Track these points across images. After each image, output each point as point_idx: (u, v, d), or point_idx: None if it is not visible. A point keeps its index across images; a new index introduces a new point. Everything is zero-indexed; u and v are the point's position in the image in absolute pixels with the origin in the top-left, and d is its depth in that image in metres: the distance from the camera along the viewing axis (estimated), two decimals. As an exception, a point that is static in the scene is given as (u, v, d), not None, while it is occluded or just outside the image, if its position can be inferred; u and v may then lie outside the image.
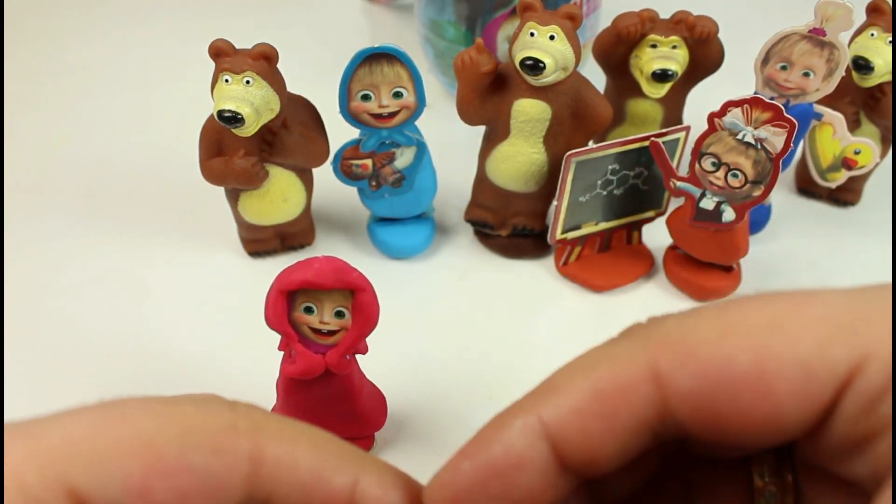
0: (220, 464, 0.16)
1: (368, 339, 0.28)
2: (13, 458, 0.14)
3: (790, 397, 0.14)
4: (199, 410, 0.17)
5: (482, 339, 0.38)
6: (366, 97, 0.36)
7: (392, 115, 0.37)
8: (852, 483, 0.15)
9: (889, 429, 0.14)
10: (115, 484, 0.15)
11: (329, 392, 0.29)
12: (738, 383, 0.14)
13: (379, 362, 0.31)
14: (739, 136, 0.35)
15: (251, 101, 0.34)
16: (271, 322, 0.27)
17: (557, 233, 0.40)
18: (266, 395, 0.32)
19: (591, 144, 0.39)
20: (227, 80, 0.34)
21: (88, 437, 0.15)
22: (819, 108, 0.41)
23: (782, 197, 0.46)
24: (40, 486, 0.14)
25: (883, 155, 0.43)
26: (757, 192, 0.36)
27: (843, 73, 0.38)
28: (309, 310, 0.28)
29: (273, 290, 0.27)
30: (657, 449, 0.17)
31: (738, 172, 0.35)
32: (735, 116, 0.34)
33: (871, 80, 0.41)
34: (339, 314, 0.28)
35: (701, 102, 0.40)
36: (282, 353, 0.29)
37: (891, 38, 0.40)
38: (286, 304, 0.27)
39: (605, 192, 0.40)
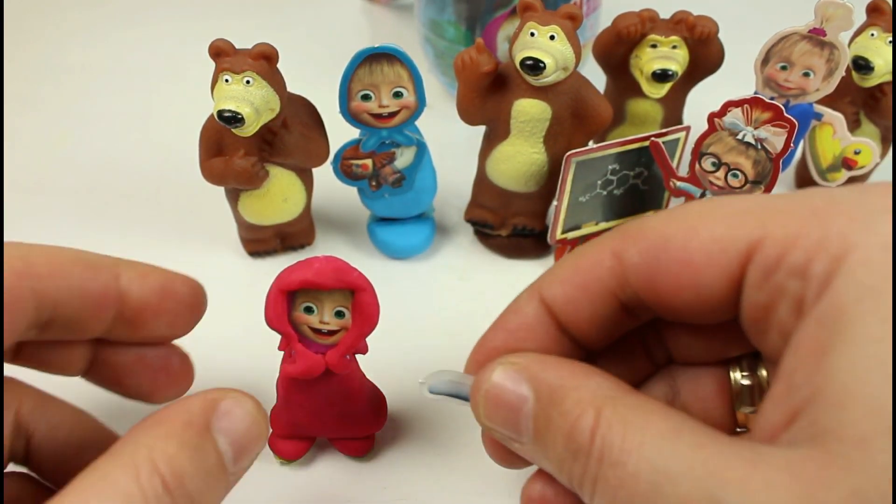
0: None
1: (368, 339, 0.28)
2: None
3: (707, 267, 0.19)
4: (88, 252, 0.24)
5: (482, 339, 0.38)
6: (366, 97, 0.36)
7: (392, 114, 0.37)
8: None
9: (784, 295, 0.18)
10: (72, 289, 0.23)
11: (329, 392, 0.29)
12: (670, 256, 0.19)
13: (379, 362, 0.31)
14: (739, 136, 0.35)
15: (251, 100, 0.34)
16: (271, 322, 0.27)
17: (557, 233, 0.40)
18: (266, 394, 0.32)
19: (591, 144, 0.39)
20: (227, 80, 0.34)
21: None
22: (819, 108, 0.41)
23: (782, 197, 0.46)
24: (13, 288, 0.21)
25: (883, 155, 0.43)
26: (757, 193, 0.36)
27: (843, 73, 0.38)
28: (309, 310, 0.28)
29: (273, 289, 0.27)
30: (647, 356, 0.24)
31: (738, 172, 0.35)
32: (735, 116, 0.34)
33: (872, 80, 0.41)
34: (340, 314, 0.28)
35: (701, 102, 0.40)
36: (281, 352, 0.29)
37: (891, 38, 0.40)
38: (286, 304, 0.27)
39: (605, 192, 0.40)
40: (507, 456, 0.23)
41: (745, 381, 0.22)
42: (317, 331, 0.28)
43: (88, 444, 0.26)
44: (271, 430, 0.32)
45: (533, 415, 0.20)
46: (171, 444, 0.20)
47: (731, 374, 0.23)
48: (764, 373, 0.22)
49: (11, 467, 0.25)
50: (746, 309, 0.19)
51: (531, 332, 0.22)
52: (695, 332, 0.23)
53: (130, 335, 0.26)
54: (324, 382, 0.29)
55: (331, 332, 0.28)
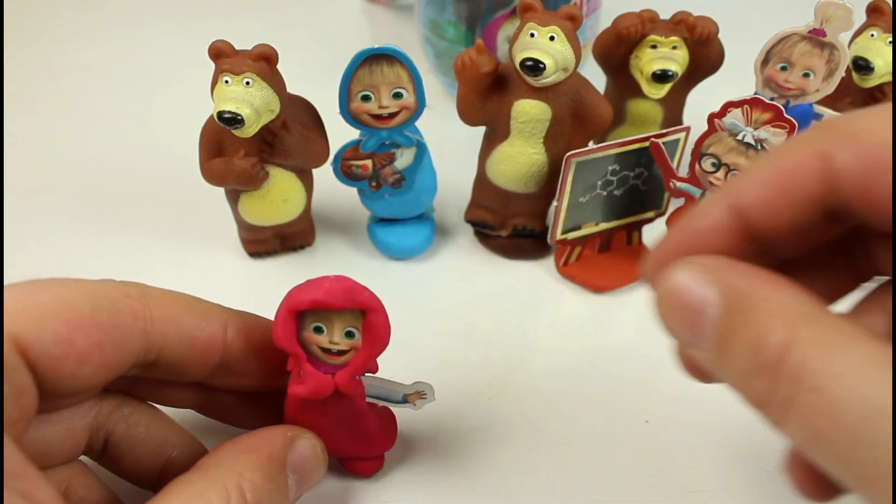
0: (121, 321, 0.22)
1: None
2: None
3: None
4: (102, 284, 0.23)
5: (482, 340, 0.38)
6: (366, 98, 0.36)
7: (392, 115, 0.37)
8: None
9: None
10: (47, 334, 0.21)
11: (338, 412, 0.29)
12: (887, 161, 0.17)
13: (378, 362, 0.31)
14: (739, 137, 0.35)
15: (251, 101, 0.34)
16: (280, 342, 0.27)
17: (557, 233, 0.40)
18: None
19: (591, 145, 0.39)
20: (226, 81, 0.34)
21: (25, 304, 0.21)
22: (819, 109, 0.41)
23: (782, 197, 0.46)
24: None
25: (883, 155, 0.43)
26: None
27: (843, 74, 0.38)
28: (318, 329, 0.27)
29: (282, 309, 0.26)
30: (853, 272, 0.22)
31: (738, 173, 0.35)
32: (735, 117, 0.34)
33: (872, 81, 0.41)
34: (350, 334, 0.27)
35: (701, 103, 0.40)
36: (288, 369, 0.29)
37: (891, 39, 0.40)
38: (295, 324, 0.27)
39: (605, 193, 0.40)
40: (695, 370, 0.21)
41: None
42: (326, 350, 0.27)
43: (163, 441, 0.27)
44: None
45: (717, 321, 0.18)
46: (257, 474, 0.23)
47: None
48: None
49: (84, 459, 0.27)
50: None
51: (718, 238, 0.20)
52: None
53: (230, 383, 0.27)
54: (333, 402, 0.28)
55: (340, 352, 0.27)
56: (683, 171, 0.38)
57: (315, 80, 0.40)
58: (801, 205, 0.19)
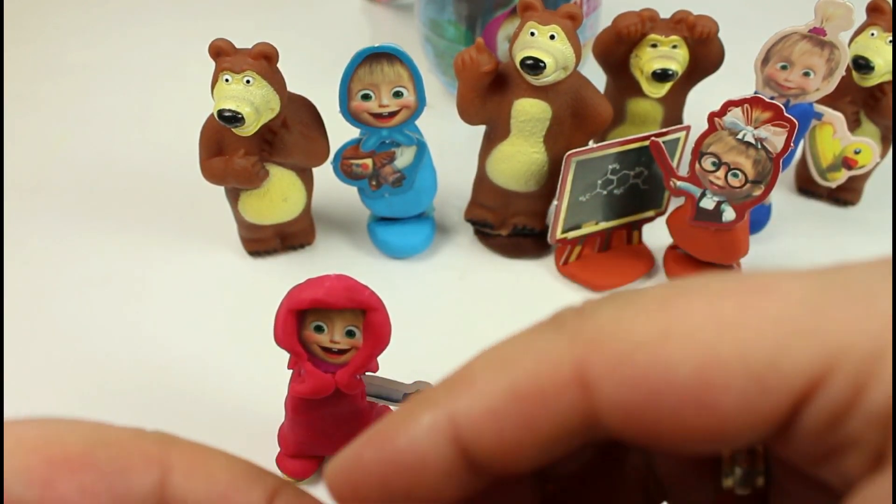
0: (127, 463, 0.16)
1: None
2: None
3: (739, 413, 0.12)
4: (114, 426, 0.17)
5: (482, 339, 0.38)
6: (366, 97, 0.36)
7: (392, 114, 0.37)
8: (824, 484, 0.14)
9: (857, 445, 0.12)
10: (17, 476, 0.15)
11: (338, 411, 0.29)
12: (679, 396, 0.13)
13: (378, 363, 0.31)
14: (740, 136, 0.35)
15: (251, 100, 0.34)
16: (281, 341, 0.27)
17: (557, 232, 0.40)
18: (267, 393, 0.32)
19: (591, 144, 0.39)
20: (227, 80, 0.34)
21: None
22: (819, 108, 0.40)
23: (782, 197, 0.46)
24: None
25: (883, 154, 0.43)
26: (757, 192, 0.36)
27: (844, 73, 0.38)
28: (319, 328, 0.27)
29: (283, 308, 0.26)
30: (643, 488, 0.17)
31: (738, 172, 0.35)
32: (735, 116, 0.34)
33: (872, 80, 0.41)
34: (350, 333, 0.27)
35: (701, 102, 0.40)
36: (284, 363, 0.29)
37: (891, 38, 0.40)
38: (296, 323, 0.27)
39: (605, 192, 0.40)
40: None
41: (742, 465, 0.16)
42: (326, 349, 0.27)
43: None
44: (280, 449, 0.32)
45: None
46: None
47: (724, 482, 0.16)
48: (759, 450, 0.16)
49: None
50: (792, 447, 0.13)
51: (424, 472, 0.14)
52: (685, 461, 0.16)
53: None
54: (333, 401, 0.28)
55: (341, 351, 0.27)
56: (684, 171, 0.38)
57: (315, 79, 0.40)
58: (547, 441, 0.14)
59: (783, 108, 0.33)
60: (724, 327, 0.12)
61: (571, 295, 0.40)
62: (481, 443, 0.14)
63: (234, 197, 0.39)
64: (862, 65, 0.40)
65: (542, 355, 0.14)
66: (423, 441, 0.14)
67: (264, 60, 0.34)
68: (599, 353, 0.13)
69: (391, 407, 0.31)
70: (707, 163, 0.36)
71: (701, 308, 0.13)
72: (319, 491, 0.31)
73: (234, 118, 0.33)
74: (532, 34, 0.35)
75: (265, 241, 0.42)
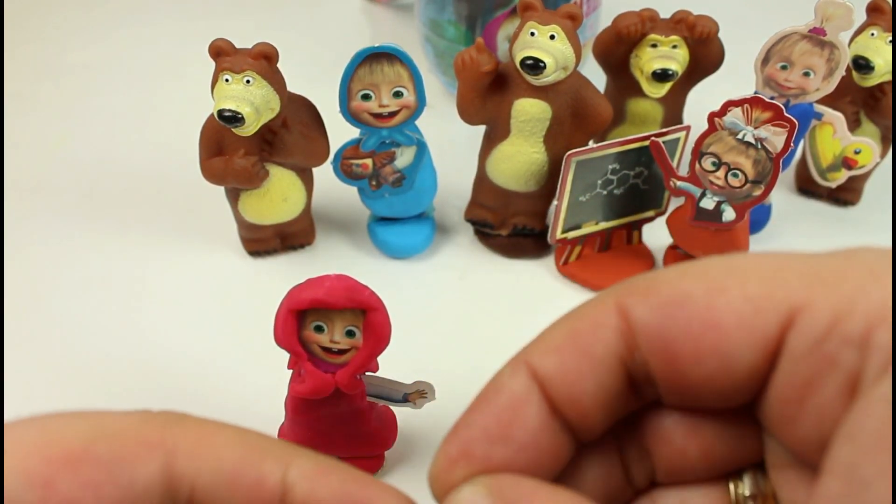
0: (129, 453, 0.16)
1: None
2: None
3: (737, 329, 0.15)
4: (118, 412, 0.17)
5: (482, 339, 0.38)
6: (366, 96, 0.36)
7: (392, 114, 0.37)
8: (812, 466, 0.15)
9: (834, 368, 0.15)
10: (17, 479, 0.15)
11: (339, 411, 0.29)
12: (691, 314, 0.16)
13: (378, 361, 0.31)
14: (740, 136, 0.35)
15: (251, 100, 0.34)
16: (280, 341, 0.27)
17: (558, 232, 0.40)
18: (267, 393, 0.32)
19: (591, 144, 0.39)
20: (227, 80, 0.34)
21: None
22: (819, 108, 0.41)
23: (782, 197, 0.46)
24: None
25: (883, 154, 0.43)
26: (757, 192, 0.36)
27: (844, 73, 0.38)
28: (319, 328, 0.27)
29: (283, 308, 0.26)
30: (627, 479, 0.19)
31: (738, 172, 0.35)
32: (735, 116, 0.34)
33: (872, 80, 0.41)
34: (350, 333, 0.27)
35: (701, 102, 0.40)
36: (284, 363, 0.29)
37: (891, 38, 0.40)
38: (296, 323, 0.27)
39: (605, 192, 0.40)
40: None
41: (747, 492, 0.18)
42: (326, 349, 0.27)
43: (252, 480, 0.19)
44: None
45: None
46: None
47: (732, 489, 0.18)
48: (769, 488, 0.18)
49: None
50: (779, 387, 0.16)
51: (518, 416, 0.17)
52: (692, 433, 0.18)
53: None
54: (333, 401, 0.28)
55: (341, 351, 0.27)
56: (684, 171, 0.38)
57: (315, 79, 0.40)
58: (603, 369, 0.17)
59: (783, 108, 0.34)
60: (730, 270, 0.16)
61: (571, 295, 0.40)
62: (553, 377, 0.17)
63: (234, 197, 0.39)
64: (862, 65, 0.40)
65: (592, 303, 0.17)
66: (510, 384, 0.17)
67: (264, 60, 0.34)
68: (634, 293, 0.16)
69: (391, 407, 0.31)
70: (707, 163, 0.36)
71: (714, 262, 0.16)
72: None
73: (234, 118, 0.33)
74: (532, 34, 0.35)
75: (265, 241, 0.42)
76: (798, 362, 0.15)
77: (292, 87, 0.37)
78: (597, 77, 0.41)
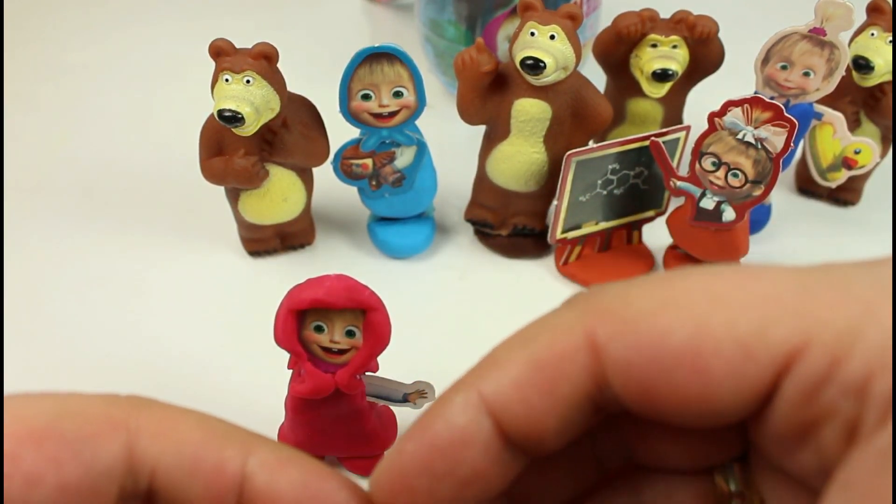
0: (92, 431, 0.16)
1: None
2: None
3: (727, 377, 0.14)
4: (78, 393, 0.17)
5: (482, 339, 0.38)
6: (366, 96, 0.36)
7: (392, 114, 0.37)
8: (808, 487, 0.15)
9: (833, 416, 0.14)
10: None
11: (338, 411, 0.29)
12: (673, 358, 0.14)
13: (378, 361, 0.31)
14: (740, 136, 0.35)
15: (251, 100, 0.34)
16: (280, 341, 0.27)
17: (558, 232, 0.40)
18: (267, 393, 0.32)
19: (591, 144, 0.39)
20: (227, 80, 0.34)
21: None
22: (819, 108, 0.41)
23: (782, 197, 0.46)
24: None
25: (883, 154, 0.43)
26: (757, 192, 0.36)
27: (844, 73, 0.38)
28: (319, 328, 0.27)
29: (283, 308, 0.26)
30: (595, 456, 0.18)
31: (738, 172, 0.35)
32: (735, 116, 0.34)
33: (872, 80, 0.41)
34: (350, 333, 0.27)
35: (701, 102, 0.40)
36: (284, 363, 0.29)
37: (891, 38, 0.40)
38: (296, 323, 0.27)
39: (605, 192, 0.40)
40: None
41: (733, 487, 0.17)
42: (327, 350, 0.27)
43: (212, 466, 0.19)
44: None
45: None
46: None
47: (717, 481, 0.17)
48: (756, 484, 0.17)
49: None
50: (773, 425, 0.15)
51: (464, 449, 0.15)
52: (671, 432, 0.17)
53: None
54: (333, 401, 0.28)
55: (341, 351, 0.27)
56: (684, 171, 0.38)
57: (315, 79, 0.40)
58: (566, 406, 0.15)
59: (783, 108, 0.34)
60: (716, 301, 0.14)
61: (571, 294, 0.40)
62: (510, 412, 0.15)
63: (234, 197, 0.39)
64: (862, 65, 0.40)
65: (556, 328, 0.15)
66: (459, 419, 0.15)
67: (264, 60, 0.34)
68: (606, 321, 0.15)
69: (391, 407, 0.31)
70: (707, 163, 0.36)
71: (697, 285, 0.14)
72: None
73: (234, 118, 0.33)
74: (532, 34, 0.35)
75: (265, 241, 0.42)
76: (794, 407, 0.14)
77: (292, 87, 0.37)
78: (597, 77, 0.41)
